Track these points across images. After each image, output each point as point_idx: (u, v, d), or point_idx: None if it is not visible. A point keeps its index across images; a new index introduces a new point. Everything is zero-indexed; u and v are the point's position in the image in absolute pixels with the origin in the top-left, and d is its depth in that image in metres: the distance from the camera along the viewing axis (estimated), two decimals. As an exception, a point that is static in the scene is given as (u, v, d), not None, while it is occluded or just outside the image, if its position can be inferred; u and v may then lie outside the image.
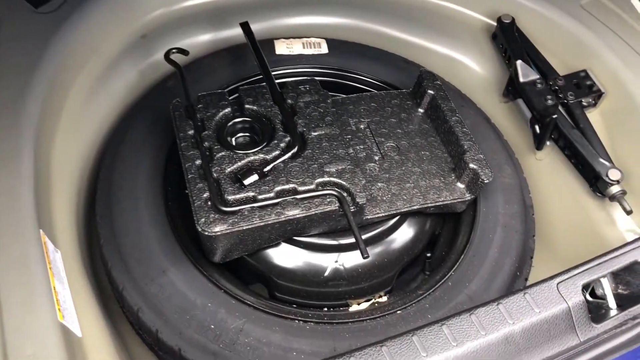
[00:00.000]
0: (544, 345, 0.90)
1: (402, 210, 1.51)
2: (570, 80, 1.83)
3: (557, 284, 0.95)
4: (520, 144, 1.91)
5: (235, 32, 1.91)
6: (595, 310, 1.00)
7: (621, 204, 1.63)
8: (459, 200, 1.55)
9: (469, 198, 1.55)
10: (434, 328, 0.88)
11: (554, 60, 1.90)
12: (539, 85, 1.80)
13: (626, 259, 1.01)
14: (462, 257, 1.53)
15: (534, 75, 1.82)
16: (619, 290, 1.04)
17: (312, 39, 1.94)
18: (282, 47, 1.91)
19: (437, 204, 1.53)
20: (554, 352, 0.90)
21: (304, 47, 1.92)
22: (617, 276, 1.04)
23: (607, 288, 1.01)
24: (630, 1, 1.96)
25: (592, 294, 1.05)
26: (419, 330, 0.87)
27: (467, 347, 0.87)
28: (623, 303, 1.01)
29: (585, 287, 1.02)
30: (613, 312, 0.99)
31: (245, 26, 1.73)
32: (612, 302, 1.01)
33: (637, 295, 1.01)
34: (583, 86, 1.82)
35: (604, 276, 1.00)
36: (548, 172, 1.84)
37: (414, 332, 0.87)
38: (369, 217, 1.48)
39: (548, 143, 1.83)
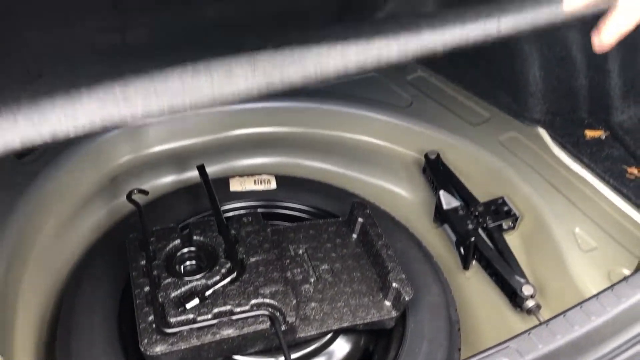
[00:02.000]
0: None
1: (333, 328, 1.66)
2: (489, 207, 2.06)
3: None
4: (451, 264, 2.09)
5: (194, 174, 2.17)
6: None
7: (537, 317, 1.78)
8: (386, 317, 1.70)
9: (394, 315, 1.70)
10: None
11: (477, 189, 2.15)
12: (461, 212, 2.03)
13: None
14: (391, 371, 1.66)
15: (455, 203, 2.05)
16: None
17: (263, 176, 2.20)
18: (236, 185, 2.16)
19: (365, 321, 1.68)
20: None
21: (255, 184, 2.17)
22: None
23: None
24: (542, 137, 2.26)
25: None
26: None
27: None
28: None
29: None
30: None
31: (200, 168, 1.99)
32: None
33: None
34: (501, 211, 2.05)
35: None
36: (475, 290, 2.00)
37: None
38: (301, 335, 1.63)
39: (474, 263, 2.02)
